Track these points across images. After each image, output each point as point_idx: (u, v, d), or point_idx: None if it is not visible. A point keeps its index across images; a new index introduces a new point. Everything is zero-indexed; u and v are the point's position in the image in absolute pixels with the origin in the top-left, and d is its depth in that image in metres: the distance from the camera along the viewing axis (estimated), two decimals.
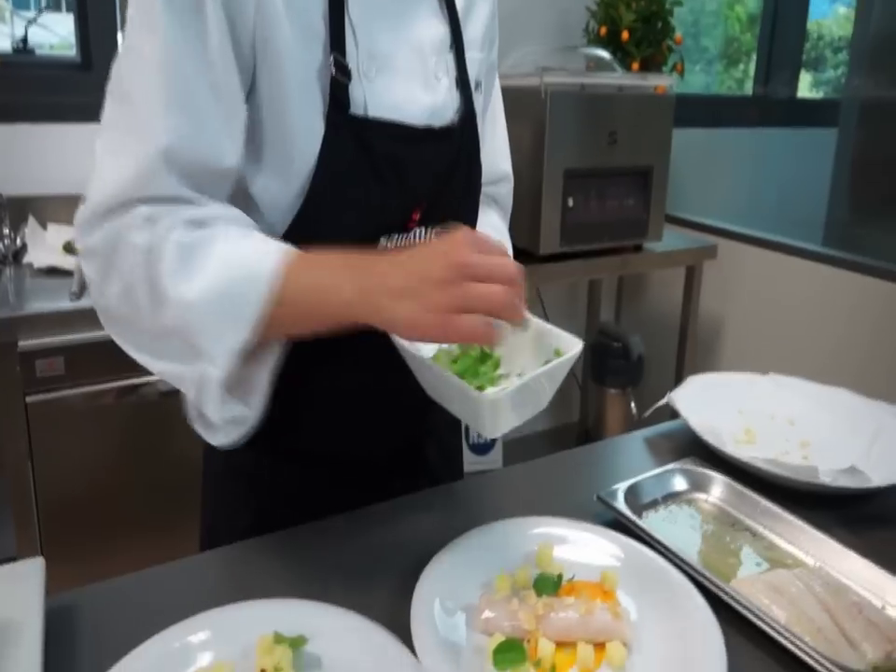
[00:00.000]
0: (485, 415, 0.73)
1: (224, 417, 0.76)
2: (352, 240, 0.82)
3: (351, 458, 0.97)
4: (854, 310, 2.41)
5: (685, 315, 2.65)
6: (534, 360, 0.82)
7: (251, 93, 0.78)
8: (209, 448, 1.01)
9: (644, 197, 2.40)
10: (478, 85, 0.95)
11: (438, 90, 0.88)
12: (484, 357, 0.87)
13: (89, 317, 1.72)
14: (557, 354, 0.80)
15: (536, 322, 0.83)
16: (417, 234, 0.88)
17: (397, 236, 0.86)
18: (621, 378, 2.87)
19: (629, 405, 2.89)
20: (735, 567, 0.87)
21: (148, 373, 1.79)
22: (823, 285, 2.50)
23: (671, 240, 2.58)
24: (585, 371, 3.07)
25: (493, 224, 1.09)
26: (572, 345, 0.79)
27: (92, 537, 1.80)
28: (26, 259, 1.95)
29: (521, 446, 2.59)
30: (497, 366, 0.87)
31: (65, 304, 1.70)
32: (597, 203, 2.32)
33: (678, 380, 2.59)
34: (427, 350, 0.81)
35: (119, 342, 0.79)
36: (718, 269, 2.72)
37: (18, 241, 2.01)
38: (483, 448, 2.73)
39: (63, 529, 1.73)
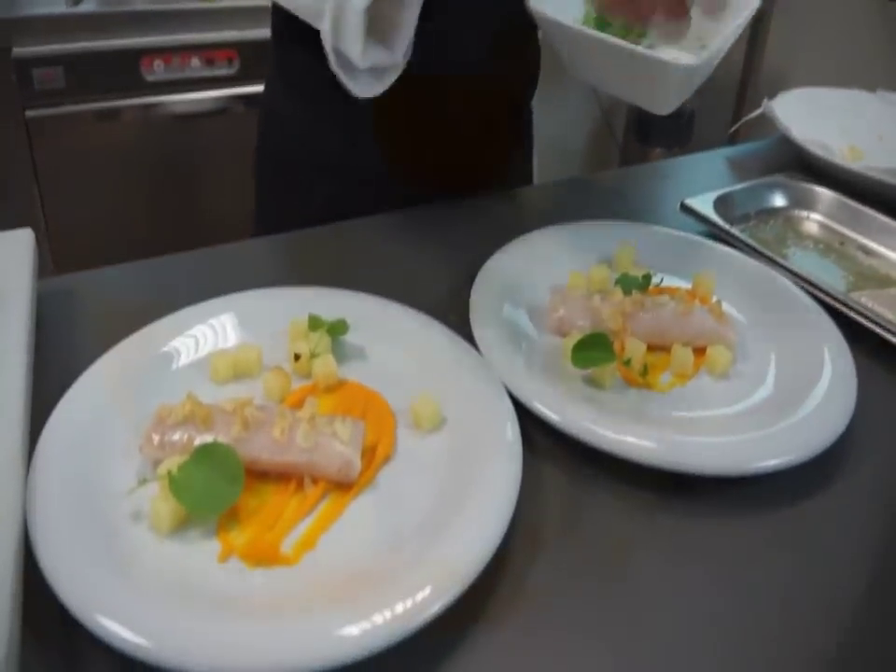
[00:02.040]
0: (669, 86, 0.62)
1: (366, 62, 0.64)
2: None
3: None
4: None
5: (746, 69, 2.38)
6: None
7: None
8: (265, 127, 0.91)
9: None
10: None
11: None
12: (626, 30, 0.72)
13: (90, 24, 1.54)
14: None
15: None
16: None
17: None
18: (668, 138, 2.64)
19: None
20: (848, 285, 0.74)
21: (159, 93, 1.63)
22: None
23: None
24: (628, 128, 2.83)
25: None
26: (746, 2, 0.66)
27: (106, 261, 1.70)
28: None
29: None
30: (642, 35, 0.72)
31: (62, 9, 1.51)
32: None
33: (731, 142, 2.37)
34: None
35: None
36: (789, 16, 2.42)
37: None
38: None
39: (75, 252, 1.62)
